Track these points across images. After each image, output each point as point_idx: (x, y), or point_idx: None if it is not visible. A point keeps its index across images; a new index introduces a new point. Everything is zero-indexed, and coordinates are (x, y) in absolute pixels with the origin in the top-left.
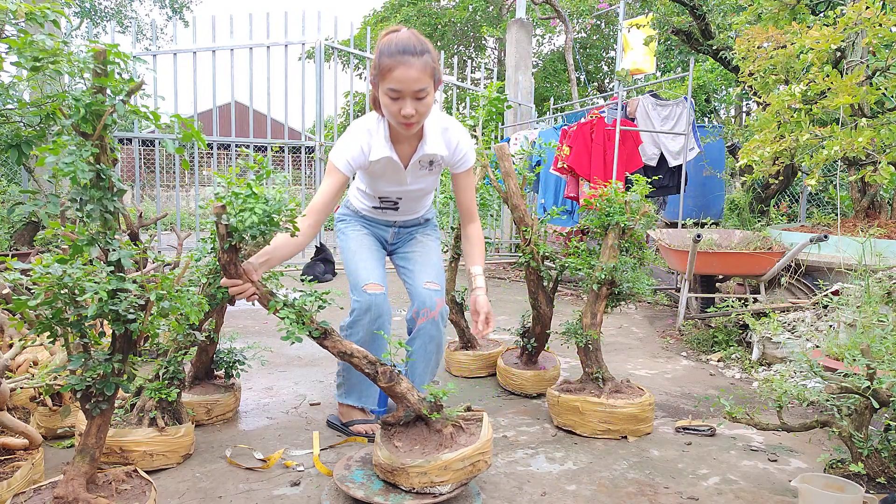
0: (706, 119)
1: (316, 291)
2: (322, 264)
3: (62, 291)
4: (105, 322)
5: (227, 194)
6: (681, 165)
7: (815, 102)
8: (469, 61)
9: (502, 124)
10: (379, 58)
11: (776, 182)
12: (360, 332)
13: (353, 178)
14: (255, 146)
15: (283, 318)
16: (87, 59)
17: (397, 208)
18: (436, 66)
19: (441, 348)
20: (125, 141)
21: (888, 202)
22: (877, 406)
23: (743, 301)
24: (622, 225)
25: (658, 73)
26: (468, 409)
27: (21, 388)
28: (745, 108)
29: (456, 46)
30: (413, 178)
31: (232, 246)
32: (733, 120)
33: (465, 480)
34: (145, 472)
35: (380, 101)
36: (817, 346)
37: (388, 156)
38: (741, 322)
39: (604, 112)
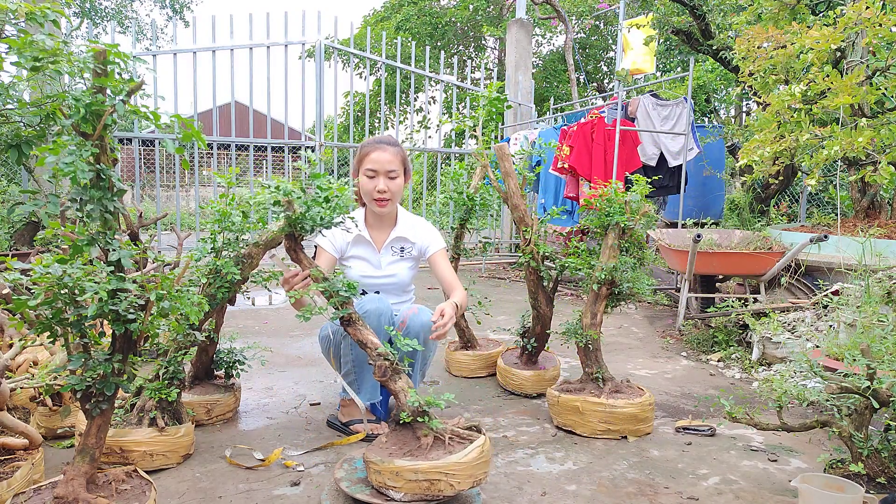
0: (706, 119)
1: (349, 280)
2: None
3: (62, 291)
4: (105, 322)
5: (296, 191)
6: (681, 165)
7: (815, 102)
8: (469, 61)
9: (502, 124)
10: (360, 149)
11: (776, 182)
12: (370, 322)
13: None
14: (256, 146)
15: (329, 300)
16: (87, 59)
17: None
18: (406, 159)
19: (430, 344)
20: (125, 141)
21: (888, 202)
22: (877, 406)
23: (743, 301)
24: (622, 225)
25: (658, 73)
26: (473, 427)
27: (21, 388)
28: (745, 108)
29: (456, 46)
30: (386, 260)
31: (292, 234)
32: (733, 120)
33: (425, 496)
34: (145, 472)
35: (360, 187)
36: (817, 346)
37: (360, 233)
38: (741, 322)
39: (604, 112)
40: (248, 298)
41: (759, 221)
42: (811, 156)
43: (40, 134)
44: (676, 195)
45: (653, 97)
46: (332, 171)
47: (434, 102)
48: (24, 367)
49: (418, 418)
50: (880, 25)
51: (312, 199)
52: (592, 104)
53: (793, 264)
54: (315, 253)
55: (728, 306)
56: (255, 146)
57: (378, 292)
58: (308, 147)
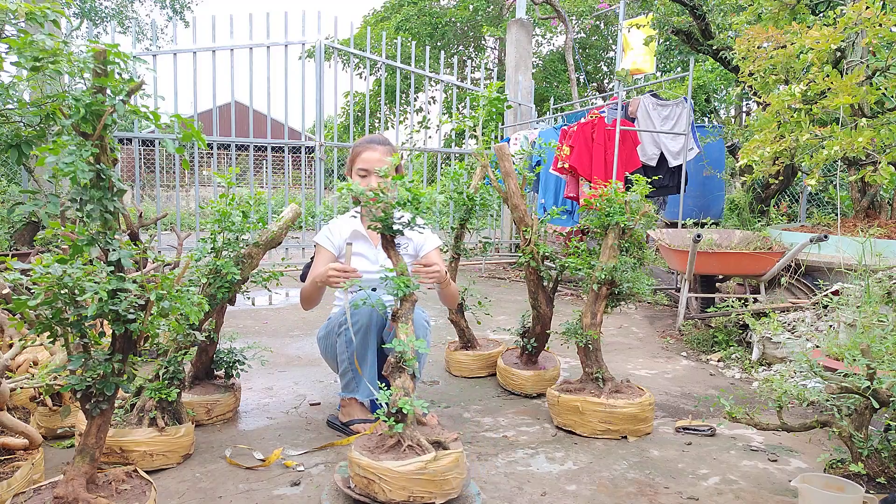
0: (706, 119)
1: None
2: None
3: (62, 291)
4: (105, 322)
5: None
6: (681, 165)
7: (815, 102)
8: (469, 61)
9: (502, 124)
10: (352, 149)
11: (776, 182)
12: (356, 326)
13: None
14: (256, 146)
15: (395, 287)
16: (87, 59)
17: None
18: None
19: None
20: (125, 141)
21: (888, 202)
22: (877, 406)
23: (743, 301)
24: (622, 225)
25: (658, 73)
26: (438, 443)
27: (21, 388)
28: (745, 108)
29: (456, 46)
30: (383, 256)
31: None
32: (733, 120)
33: (365, 493)
34: (145, 472)
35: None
36: (817, 346)
37: (356, 229)
38: (741, 322)
39: (604, 112)
40: (248, 298)
41: (759, 221)
42: (811, 156)
43: (40, 134)
44: (676, 195)
45: (653, 97)
46: (332, 170)
47: (434, 102)
48: (24, 367)
49: (384, 418)
50: (880, 25)
51: (399, 201)
52: (592, 104)
53: (793, 264)
54: (315, 251)
55: (728, 306)
56: (255, 146)
57: (374, 289)
58: (308, 147)
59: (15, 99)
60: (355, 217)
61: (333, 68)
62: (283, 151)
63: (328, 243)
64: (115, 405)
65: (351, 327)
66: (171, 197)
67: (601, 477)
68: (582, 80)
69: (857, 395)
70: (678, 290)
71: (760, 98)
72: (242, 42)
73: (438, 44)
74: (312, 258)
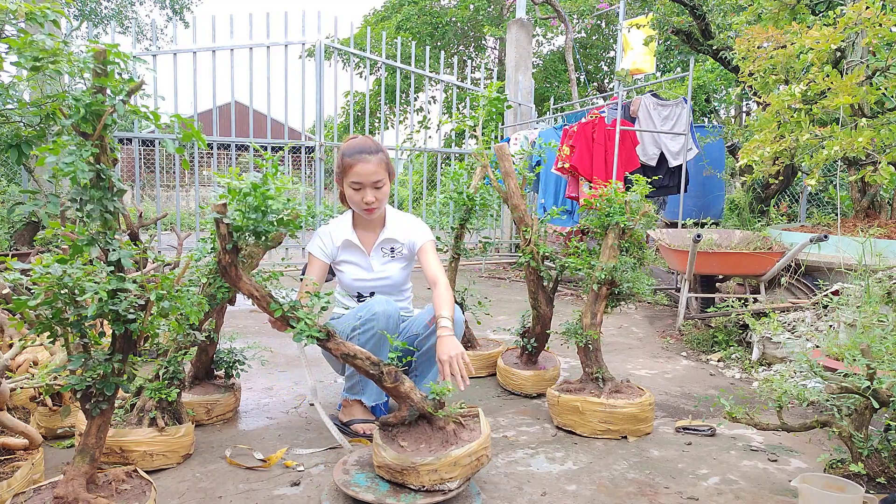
0: (706, 119)
1: (319, 293)
2: None
3: (62, 291)
4: (105, 322)
5: (235, 188)
6: (681, 165)
7: (815, 102)
8: (469, 61)
9: (502, 124)
10: (342, 158)
11: (776, 182)
12: (370, 332)
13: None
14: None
15: (293, 325)
16: (87, 59)
17: None
18: (389, 163)
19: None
20: (125, 141)
21: (888, 202)
22: (877, 406)
23: (743, 301)
24: (622, 225)
25: (658, 73)
26: (462, 405)
27: (21, 388)
28: (745, 108)
29: (456, 46)
30: (377, 262)
31: (234, 246)
32: (733, 120)
33: (470, 475)
34: (145, 472)
35: (345, 195)
36: (817, 346)
37: (348, 238)
38: (741, 322)
39: (604, 112)
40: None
41: (759, 221)
42: (811, 156)
43: (40, 134)
44: (676, 195)
45: (653, 97)
46: (332, 170)
47: (434, 102)
48: (24, 367)
49: (440, 410)
50: (880, 25)
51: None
52: (593, 104)
53: (793, 264)
54: (308, 261)
55: (728, 306)
56: (255, 146)
57: (373, 293)
58: (308, 147)
59: (15, 99)
60: (345, 222)
61: (333, 68)
62: (283, 151)
63: (321, 253)
64: (115, 405)
65: (366, 332)
66: (171, 197)
67: (601, 477)
68: (582, 80)
69: (857, 395)
70: (678, 290)
71: (760, 98)
72: (242, 42)
73: (438, 44)
74: (306, 266)
